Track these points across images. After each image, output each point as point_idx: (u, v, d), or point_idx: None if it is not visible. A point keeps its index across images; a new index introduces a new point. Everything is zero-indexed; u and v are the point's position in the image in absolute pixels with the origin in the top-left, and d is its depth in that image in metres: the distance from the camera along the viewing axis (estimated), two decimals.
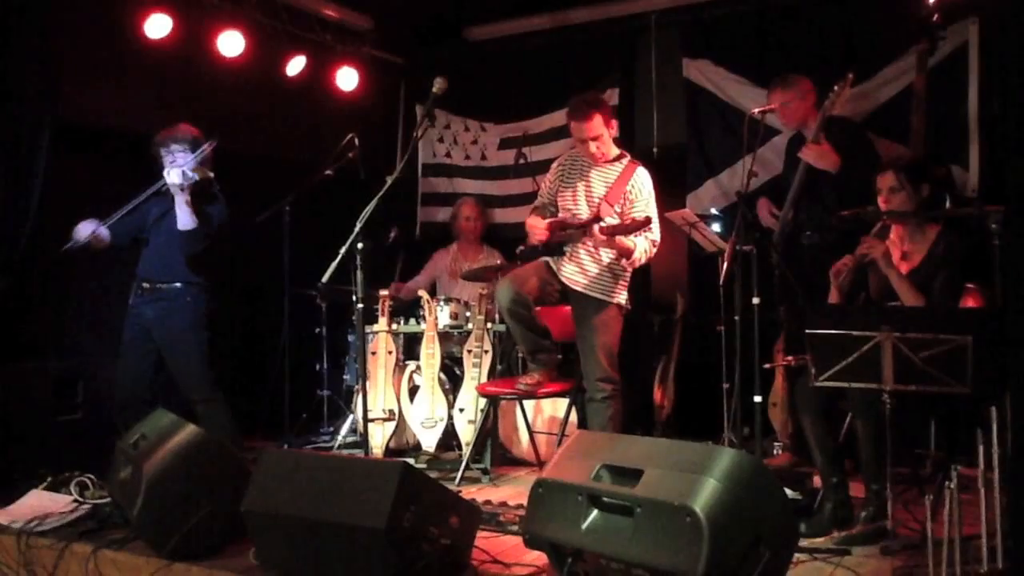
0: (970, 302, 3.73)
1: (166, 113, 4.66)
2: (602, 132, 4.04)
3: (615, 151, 4.17)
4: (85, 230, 4.20)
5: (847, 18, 5.03)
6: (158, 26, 4.94)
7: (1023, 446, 2.03)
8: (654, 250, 4.04)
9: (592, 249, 4.07)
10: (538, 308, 4.15)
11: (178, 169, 4.11)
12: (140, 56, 4.98)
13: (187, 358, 4.27)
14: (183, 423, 3.20)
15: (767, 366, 4.47)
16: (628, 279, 4.16)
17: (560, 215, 4.20)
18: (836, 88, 4.10)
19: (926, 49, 4.40)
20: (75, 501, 3.54)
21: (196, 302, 4.30)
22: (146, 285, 4.29)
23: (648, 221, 3.89)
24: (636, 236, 3.93)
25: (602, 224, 3.91)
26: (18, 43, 4.45)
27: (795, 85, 4.47)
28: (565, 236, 4.12)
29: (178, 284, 4.28)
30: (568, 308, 4.22)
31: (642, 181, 4.09)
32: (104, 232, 4.24)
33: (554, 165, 4.37)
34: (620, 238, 3.89)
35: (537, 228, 4.14)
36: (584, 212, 4.12)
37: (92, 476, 3.71)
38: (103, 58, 4.90)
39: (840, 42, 5.02)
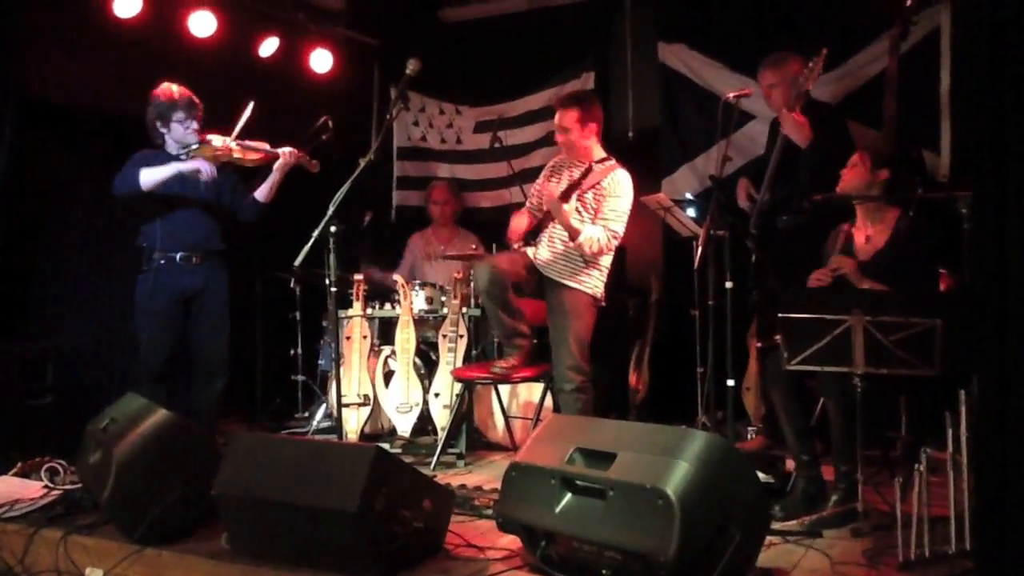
0: (940, 286, 3.76)
1: (136, 93, 4.59)
2: (573, 128, 4.12)
3: (599, 154, 4.21)
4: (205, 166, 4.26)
5: (821, 3, 5.03)
6: (127, 5, 4.86)
7: (989, 428, 2.05)
8: (612, 242, 4.06)
9: (561, 231, 4.09)
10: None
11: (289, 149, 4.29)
12: (109, 35, 4.89)
13: (224, 328, 4.32)
14: (153, 407, 3.18)
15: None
16: (604, 272, 4.17)
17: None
18: (811, 64, 4.10)
19: (899, 33, 4.42)
20: (45, 487, 3.50)
21: (227, 271, 4.39)
22: (192, 253, 4.22)
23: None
24: (592, 224, 4.01)
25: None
26: None
27: (785, 66, 4.42)
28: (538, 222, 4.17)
29: (221, 252, 4.35)
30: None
31: (619, 179, 4.12)
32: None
33: (543, 171, 4.41)
34: (566, 210, 3.94)
35: (518, 228, 4.21)
36: None
37: (63, 462, 3.66)
38: (70, 36, 4.82)
39: (814, 27, 5.01)
